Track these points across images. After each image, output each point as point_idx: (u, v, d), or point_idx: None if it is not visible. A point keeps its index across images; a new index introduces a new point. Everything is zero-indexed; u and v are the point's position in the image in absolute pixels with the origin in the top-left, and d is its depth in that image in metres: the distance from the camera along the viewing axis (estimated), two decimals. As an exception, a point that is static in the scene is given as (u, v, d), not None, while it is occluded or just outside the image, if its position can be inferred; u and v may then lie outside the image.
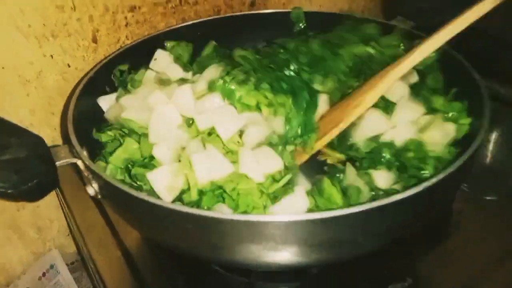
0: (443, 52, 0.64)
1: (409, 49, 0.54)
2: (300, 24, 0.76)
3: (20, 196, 0.39)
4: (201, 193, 0.48)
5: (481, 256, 0.55)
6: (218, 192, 0.47)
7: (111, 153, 0.52)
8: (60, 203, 0.75)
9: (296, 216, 0.37)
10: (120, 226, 0.61)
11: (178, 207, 0.39)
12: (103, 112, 0.61)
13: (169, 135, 0.52)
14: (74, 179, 0.68)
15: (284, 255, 0.39)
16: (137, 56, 0.67)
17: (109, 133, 0.55)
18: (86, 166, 0.44)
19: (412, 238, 0.51)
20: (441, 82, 0.62)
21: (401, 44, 0.64)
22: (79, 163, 0.44)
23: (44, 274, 0.78)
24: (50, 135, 0.73)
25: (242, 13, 0.80)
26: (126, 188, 0.39)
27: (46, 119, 0.72)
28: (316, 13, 0.77)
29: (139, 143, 0.53)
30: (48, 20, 0.65)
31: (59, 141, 0.75)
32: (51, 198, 0.76)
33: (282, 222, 0.37)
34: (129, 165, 0.51)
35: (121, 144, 0.52)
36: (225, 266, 0.53)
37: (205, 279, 0.54)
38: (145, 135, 0.53)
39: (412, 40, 0.63)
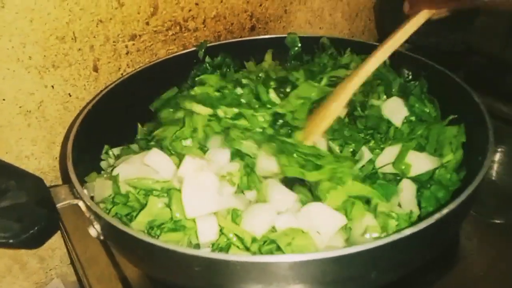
0: (439, 75, 0.65)
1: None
2: (296, 48, 0.77)
3: (21, 245, 0.38)
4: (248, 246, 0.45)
5: (492, 281, 0.53)
6: (270, 247, 0.44)
7: (128, 216, 0.47)
8: (61, 233, 0.74)
9: (309, 255, 0.36)
10: (121, 259, 0.60)
11: (190, 251, 0.38)
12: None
13: (209, 203, 0.47)
14: (75, 211, 0.67)
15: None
16: (137, 85, 0.68)
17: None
18: (88, 208, 0.43)
19: (420, 266, 0.50)
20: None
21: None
22: (81, 204, 0.43)
23: (46, 305, 0.77)
24: (52, 164, 0.73)
25: (242, 38, 0.81)
26: (131, 231, 0.39)
27: (47, 149, 0.72)
28: (312, 38, 0.78)
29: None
30: (49, 51, 0.66)
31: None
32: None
33: (297, 261, 0.36)
34: (155, 229, 0.46)
35: (142, 207, 0.48)
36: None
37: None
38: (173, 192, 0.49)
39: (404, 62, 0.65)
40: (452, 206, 0.41)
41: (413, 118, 0.61)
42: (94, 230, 0.45)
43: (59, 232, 0.76)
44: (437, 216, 0.39)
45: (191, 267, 0.37)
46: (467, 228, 0.60)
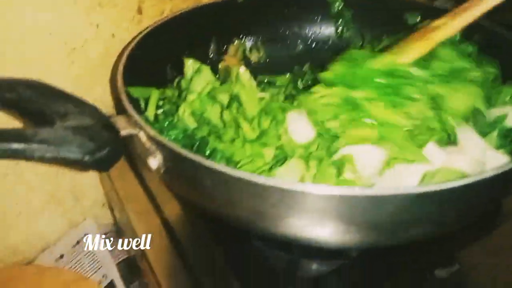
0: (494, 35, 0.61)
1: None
2: (337, 4, 0.73)
3: (94, 165, 0.37)
4: None
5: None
6: None
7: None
8: (98, 173, 0.75)
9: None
10: (159, 196, 0.61)
11: (263, 179, 0.36)
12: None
13: None
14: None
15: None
16: (179, 29, 0.67)
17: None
18: (150, 137, 0.42)
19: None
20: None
21: None
22: (141, 134, 0.42)
23: (78, 242, 0.79)
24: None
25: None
26: (203, 160, 0.38)
27: (89, 88, 0.72)
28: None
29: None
30: (97, -12, 0.65)
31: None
32: (89, 168, 0.77)
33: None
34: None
35: None
36: (269, 241, 0.52)
37: (246, 253, 0.53)
38: None
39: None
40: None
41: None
42: (155, 161, 0.43)
43: (93, 172, 0.77)
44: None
45: (268, 200, 0.36)
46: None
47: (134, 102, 0.50)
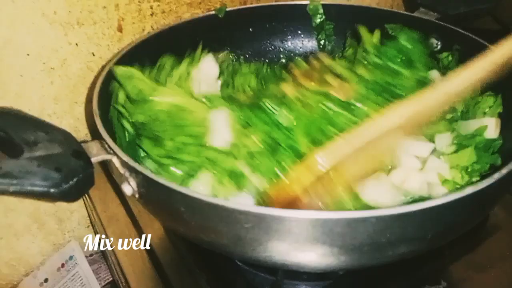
0: (474, 45, 0.61)
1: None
2: (319, 17, 0.73)
3: (61, 197, 0.36)
4: None
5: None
6: None
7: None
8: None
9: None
10: (141, 218, 0.60)
11: (240, 206, 0.35)
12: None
13: None
14: (96, 171, 0.67)
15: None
16: (161, 45, 0.66)
17: None
18: (124, 163, 0.41)
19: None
20: None
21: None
22: (114, 159, 0.41)
23: (63, 265, 0.77)
24: (73, 124, 0.73)
25: (267, 3, 0.78)
26: (176, 186, 0.37)
27: (69, 108, 0.71)
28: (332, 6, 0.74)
29: None
30: (74, 7, 0.64)
31: (82, 132, 0.74)
32: (72, 189, 0.76)
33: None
34: None
35: None
36: (252, 264, 0.51)
37: (229, 276, 0.52)
38: None
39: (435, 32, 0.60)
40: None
41: None
42: (129, 187, 0.42)
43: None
44: (496, 175, 0.37)
45: (241, 223, 0.35)
46: (497, 207, 0.58)
47: (109, 125, 0.48)
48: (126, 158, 0.40)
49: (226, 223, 0.36)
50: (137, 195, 0.42)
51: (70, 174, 0.36)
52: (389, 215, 0.34)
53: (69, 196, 0.36)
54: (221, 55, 0.73)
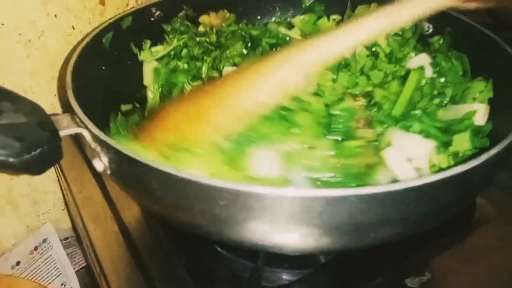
0: (466, 28, 0.59)
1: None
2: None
3: (22, 168, 0.33)
4: None
5: (506, 254, 0.51)
6: None
7: None
8: (56, 174, 0.71)
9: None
10: (118, 200, 0.57)
11: (212, 181, 0.33)
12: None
13: None
14: (72, 150, 0.64)
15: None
16: (144, 20, 0.63)
17: None
18: (95, 137, 0.38)
19: (432, 231, 0.47)
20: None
21: None
22: (85, 133, 0.38)
23: (36, 248, 0.74)
24: (51, 101, 0.69)
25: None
26: (145, 160, 0.35)
27: (47, 84, 0.68)
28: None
29: None
30: (53, -24, 0.61)
31: (59, 110, 0.71)
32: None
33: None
34: None
35: None
36: (231, 248, 0.49)
37: (208, 262, 0.50)
38: None
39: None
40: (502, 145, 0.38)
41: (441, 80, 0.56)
42: (101, 162, 0.39)
43: (53, 175, 0.73)
44: (485, 156, 0.36)
45: (216, 201, 0.33)
46: (484, 198, 0.57)
47: (82, 99, 0.45)
48: (97, 131, 0.38)
49: (200, 201, 0.34)
50: (108, 171, 0.39)
51: (33, 145, 0.33)
52: (371, 193, 0.32)
53: (32, 168, 0.34)
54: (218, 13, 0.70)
